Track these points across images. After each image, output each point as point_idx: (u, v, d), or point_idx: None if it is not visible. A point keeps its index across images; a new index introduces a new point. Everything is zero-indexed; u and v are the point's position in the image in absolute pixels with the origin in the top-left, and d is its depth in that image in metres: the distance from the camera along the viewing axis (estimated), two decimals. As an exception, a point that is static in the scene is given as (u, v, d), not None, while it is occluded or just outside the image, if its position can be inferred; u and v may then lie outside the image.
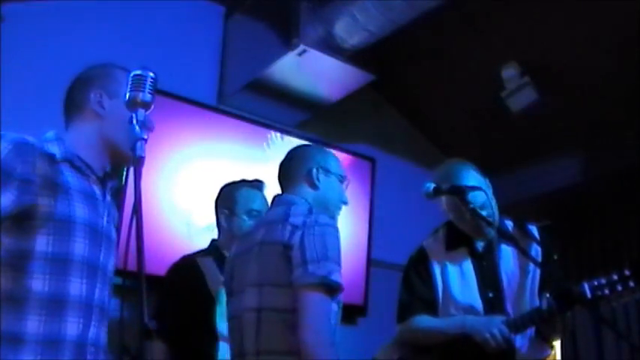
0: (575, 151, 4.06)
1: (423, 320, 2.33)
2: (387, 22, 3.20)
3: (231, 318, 2.00)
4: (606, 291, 2.05)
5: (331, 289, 1.82)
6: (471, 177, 2.33)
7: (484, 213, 2.24)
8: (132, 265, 1.38)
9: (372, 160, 4.22)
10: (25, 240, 1.52)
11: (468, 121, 4.27)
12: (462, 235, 2.37)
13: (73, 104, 1.74)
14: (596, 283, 2.08)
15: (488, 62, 3.76)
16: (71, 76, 1.81)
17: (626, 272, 2.07)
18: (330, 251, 1.85)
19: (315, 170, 2.08)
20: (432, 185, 2.28)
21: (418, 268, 2.41)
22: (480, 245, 2.37)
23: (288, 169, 2.13)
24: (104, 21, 3.40)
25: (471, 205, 2.22)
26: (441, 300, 2.33)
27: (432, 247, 2.44)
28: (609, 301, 2.08)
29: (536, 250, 2.33)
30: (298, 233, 1.86)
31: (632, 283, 2.05)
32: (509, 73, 3.69)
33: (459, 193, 2.25)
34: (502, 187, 2.57)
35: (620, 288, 2.05)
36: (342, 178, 2.15)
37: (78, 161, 1.65)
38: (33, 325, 1.49)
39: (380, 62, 3.69)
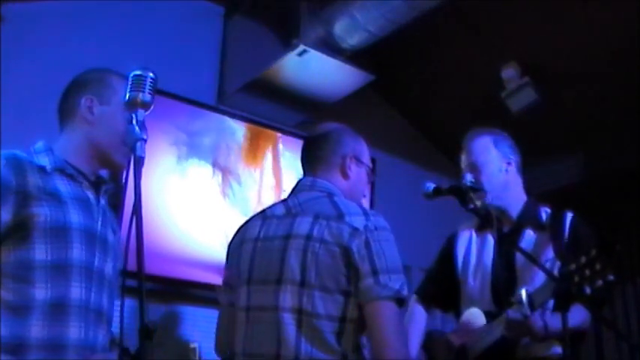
0: (575, 151, 4.06)
1: (414, 315, 2.50)
2: (386, 23, 3.20)
3: (250, 309, 1.83)
4: (576, 278, 1.95)
5: (402, 303, 1.75)
6: (489, 162, 2.42)
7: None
8: (132, 265, 1.38)
9: (372, 160, 4.22)
10: (24, 250, 1.54)
11: (468, 121, 4.22)
12: (489, 220, 2.43)
13: (66, 109, 1.76)
14: (566, 270, 1.99)
15: (488, 62, 3.75)
16: (71, 76, 1.82)
17: (593, 252, 1.96)
18: (397, 261, 1.77)
19: (349, 158, 1.97)
20: (432, 185, 2.30)
21: (443, 249, 2.58)
22: (506, 228, 2.41)
23: (321, 150, 1.97)
24: (104, 21, 3.40)
25: (471, 206, 2.24)
26: (460, 271, 2.46)
27: (464, 228, 2.54)
28: (583, 286, 1.95)
29: (564, 239, 2.32)
30: (360, 237, 1.74)
31: (598, 266, 1.94)
32: (509, 73, 3.68)
33: (459, 193, 2.26)
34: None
35: (588, 273, 1.95)
36: (369, 171, 2.06)
37: (69, 169, 1.67)
38: (37, 330, 1.51)
39: (380, 62, 3.69)
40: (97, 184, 1.74)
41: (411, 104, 4.50)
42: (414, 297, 2.56)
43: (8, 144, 1.68)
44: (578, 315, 2.15)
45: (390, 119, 4.50)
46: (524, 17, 3.49)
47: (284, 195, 1.96)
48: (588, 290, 1.93)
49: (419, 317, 2.52)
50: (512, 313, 2.14)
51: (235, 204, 3.61)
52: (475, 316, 2.34)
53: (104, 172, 1.80)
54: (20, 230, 1.53)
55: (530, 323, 2.10)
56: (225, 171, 3.64)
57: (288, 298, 1.75)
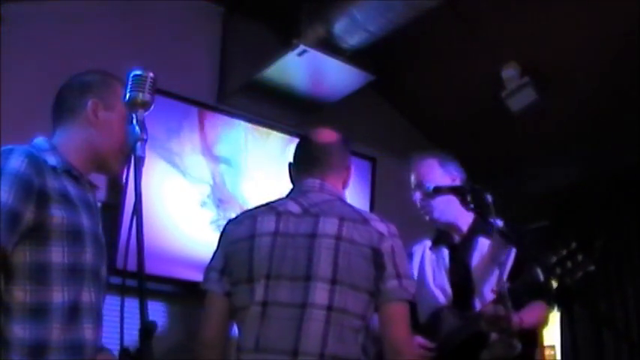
0: (575, 151, 4.06)
1: None
2: (386, 22, 3.20)
3: (268, 304, 1.82)
4: (558, 270, 2.02)
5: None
6: (434, 180, 2.48)
7: None
8: (132, 265, 1.38)
9: (372, 160, 4.22)
10: (42, 252, 1.54)
11: (468, 121, 4.26)
12: (443, 234, 2.57)
13: (67, 107, 1.74)
14: (547, 263, 2.06)
15: (488, 62, 3.75)
16: (71, 76, 1.81)
17: (573, 245, 2.04)
18: (410, 267, 1.96)
19: (349, 169, 2.10)
20: (432, 185, 2.34)
21: None
22: (457, 239, 2.54)
23: (331, 157, 2.04)
24: (104, 21, 3.40)
25: (472, 205, 2.29)
26: (417, 281, 2.47)
27: (419, 246, 2.64)
28: (564, 279, 2.02)
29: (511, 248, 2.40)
30: (387, 242, 1.88)
31: (580, 257, 2.02)
32: (509, 73, 3.68)
33: (460, 193, 2.31)
34: (502, 188, 2.62)
35: (570, 265, 2.02)
36: None
37: (74, 170, 1.67)
38: (57, 333, 1.52)
39: (380, 62, 3.68)
40: (91, 186, 1.75)
41: (411, 104, 4.50)
42: None
43: (8, 144, 1.67)
44: (537, 311, 2.32)
45: (390, 119, 4.50)
46: (524, 17, 3.49)
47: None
48: (569, 282, 2.00)
49: None
50: (491, 308, 2.19)
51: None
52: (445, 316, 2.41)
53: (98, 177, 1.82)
54: (38, 231, 1.53)
55: (510, 317, 2.18)
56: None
57: (318, 295, 1.79)
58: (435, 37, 3.75)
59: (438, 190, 2.35)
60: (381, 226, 1.90)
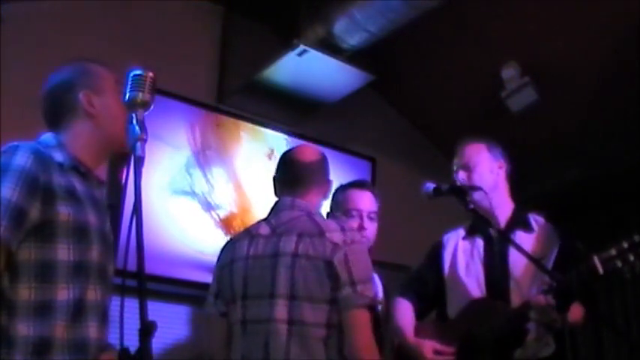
0: (575, 151, 4.06)
1: (400, 306, 2.50)
2: (386, 22, 3.20)
3: (246, 322, 2.00)
4: (618, 263, 1.98)
5: (373, 309, 1.98)
6: (482, 162, 2.48)
7: None
8: (132, 265, 1.38)
9: (372, 160, 4.23)
10: (47, 250, 1.53)
11: (468, 121, 4.26)
12: (481, 222, 2.44)
13: (63, 108, 1.72)
14: (607, 255, 2.01)
15: (488, 62, 3.75)
16: (47, 80, 1.80)
17: (636, 238, 1.99)
18: (370, 271, 1.99)
19: (330, 183, 2.19)
20: (432, 185, 2.31)
21: (430, 252, 2.59)
22: (493, 230, 2.44)
23: (309, 175, 2.13)
24: (103, 21, 3.40)
25: (471, 206, 2.27)
26: (447, 276, 2.47)
27: (452, 235, 2.56)
28: (622, 273, 1.98)
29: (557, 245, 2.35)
30: (341, 251, 1.94)
31: None
32: (509, 73, 3.69)
33: (459, 193, 2.29)
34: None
35: (632, 258, 1.97)
36: None
37: (82, 167, 1.66)
38: (61, 330, 1.51)
39: (380, 62, 3.69)
40: (100, 183, 1.75)
41: (411, 104, 4.50)
42: (399, 298, 2.55)
43: (8, 143, 1.67)
44: (580, 310, 2.24)
45: (390, 119, 4.50)
46: (524, 17, 3.50)
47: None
48: (628, 275, 1.96)
49: (405, 308, 2.51)
50: (542, 297, 2.14)
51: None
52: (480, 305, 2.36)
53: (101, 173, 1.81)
54: (44, 228, 1.52)
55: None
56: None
57: (279, 310, 1.93)
58: (435, 37, 3.75)
59: (438, 192, 2.32)
60: (337, 237, 1.97)
